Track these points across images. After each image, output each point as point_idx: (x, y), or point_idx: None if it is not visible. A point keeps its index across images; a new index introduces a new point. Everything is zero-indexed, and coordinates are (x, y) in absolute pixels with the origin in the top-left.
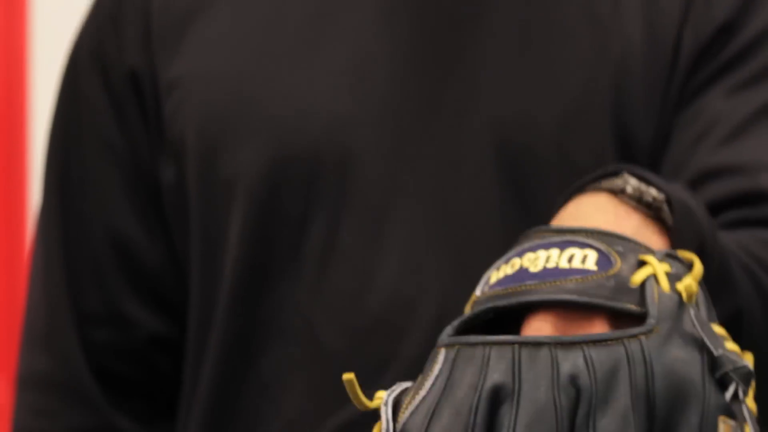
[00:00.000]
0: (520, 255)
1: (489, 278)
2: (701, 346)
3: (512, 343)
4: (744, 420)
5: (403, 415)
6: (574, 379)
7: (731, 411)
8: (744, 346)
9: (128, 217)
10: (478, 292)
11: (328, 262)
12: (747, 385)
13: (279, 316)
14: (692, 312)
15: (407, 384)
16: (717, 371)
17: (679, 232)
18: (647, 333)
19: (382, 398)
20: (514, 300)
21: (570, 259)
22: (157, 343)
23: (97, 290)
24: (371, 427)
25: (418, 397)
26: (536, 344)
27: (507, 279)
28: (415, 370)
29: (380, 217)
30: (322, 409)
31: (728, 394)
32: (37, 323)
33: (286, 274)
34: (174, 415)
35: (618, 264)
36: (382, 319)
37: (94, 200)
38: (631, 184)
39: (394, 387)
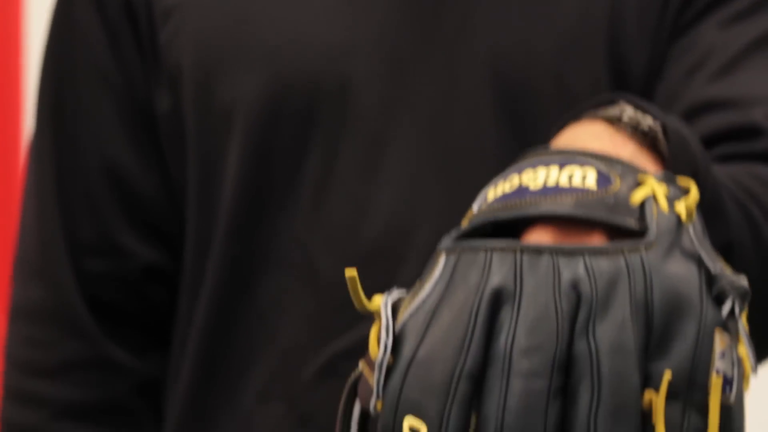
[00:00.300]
0: (519, 172)
1: (487, 195)
2: (699, 263)
3: (514, 249)
4: (739, 337)
5: (403, 316)
6: (574, 286)
7: (727, 327)
8: None
9: (123, 147)
10: (475, 208)
11: (326, 191)
12: (743, 302)
13: (276, 245)
14: (691, 230)
15: (405, 291)
16: (714, 287)
17: (673, 161)
18: (647, 246)
19: (381, 300)
20: (513, 213)
21: (570, 177)
22: (151, 274)
23: (91, 220)
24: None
25: (418, 299)
26: (538, 251)
27: (506, 195)
28: None
29: (378, 145)
30: (318, 337)
31: (725, 310)
32: (30, 254)
33: (283, 203)
34: (168, 345)
35: (617, 183)
36: (378, 248)
37: (88, 130)
38: (627, 112)
39: (392, 291)
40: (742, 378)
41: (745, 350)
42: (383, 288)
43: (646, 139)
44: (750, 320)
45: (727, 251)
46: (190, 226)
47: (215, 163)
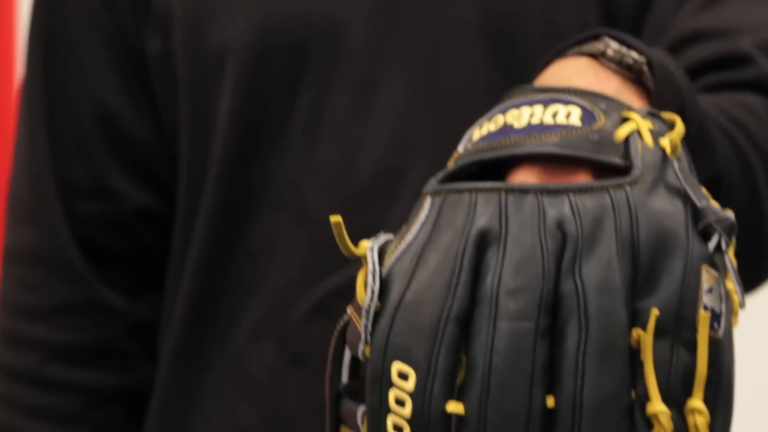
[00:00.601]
0: (503, 112)
1: (472, 135)
2: (685, 198)
3: (499, 190)
4: (726, 271)
5: (389, 260)
6: (560, 225)
7: (714, 262)
8: None
9: (114, 90)
10: (461, 148)
11: (317, 131)
12: (730, 236)
13: (268, 186)
14: (676, 165)
15: (391, 236)
16: (700, 222)
17: (659, 95)
18: (632, 183)
19: (368, 245)
20: (498, 153)
21: (554, 115)
22: (144, 217)
23: (82, 163)
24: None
25: (404, 243)
26: (522, 191)
27: (491, 135)
28: None
29: (368, 85)
30: (310, 277)
31: (711, 245)
32: (22, 197)
33: (275, 144)
34: (161, 287)
35: (602, 120)
36: (370, 187)
37: (79, 74)
38: (612, 47)
39: (378, 236)
40: (731, 313)
41: (732, 285)
42: (375, 228)
43: (631, 73)
44: (740, 251)
45: (715, 183)
46: (182, 168)
47: (207, 105)
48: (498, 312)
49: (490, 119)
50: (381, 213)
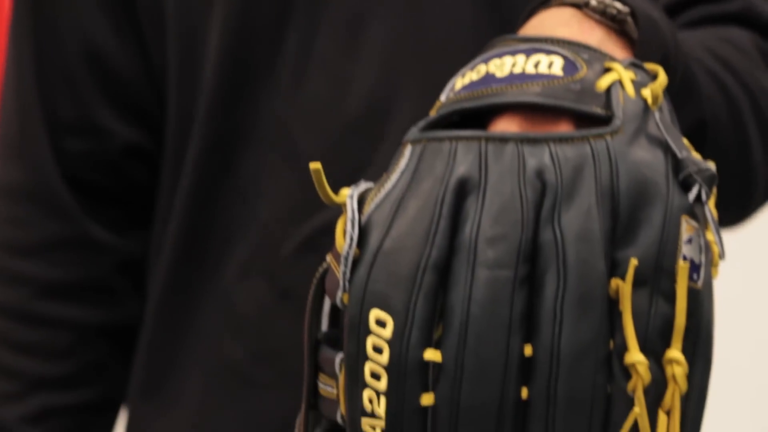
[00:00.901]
0: (485, 61)
1: (454, 84)
2: (666, 148)
3: (479, 138)
4: (706, 222)
5: (369, 208)
6: (540, 174)
7: (694, 213)
8: (708, 156)
9: (102, 28)
10: (443, 98)
11: (305, 69)
12: (710, 187)
13: (257, 123)
14: (657, 116)
15: (371, 184)
16: (680, 172)
17: (643, 45)
18: (613, 133)
19: (347, 192)
20: (479, 102)
21: (536, 65)
22: (132, 154)
23: (70, 100)
24: None
25: (384, 191)
26: (503, 139)
27: (473, 84)
28: None
29: (356, 23)
30: (298, 214)
31: (691, 196)
32: (10, 134)
33: (264, 82)
34: (150, 224)
35: (584, 70)
36: (358, 126)
37: (67, 11)
38: None
39: (358, 184)
40: (710, 265)
41: (712, 236)
42: (362, 167)
43: (614, 24)
44: (728, 189)
45: (701, 130)
46: (171, 106)
47: (195, 40)
48: (476, 260)
49: (472, 68)
50: (369, 152)
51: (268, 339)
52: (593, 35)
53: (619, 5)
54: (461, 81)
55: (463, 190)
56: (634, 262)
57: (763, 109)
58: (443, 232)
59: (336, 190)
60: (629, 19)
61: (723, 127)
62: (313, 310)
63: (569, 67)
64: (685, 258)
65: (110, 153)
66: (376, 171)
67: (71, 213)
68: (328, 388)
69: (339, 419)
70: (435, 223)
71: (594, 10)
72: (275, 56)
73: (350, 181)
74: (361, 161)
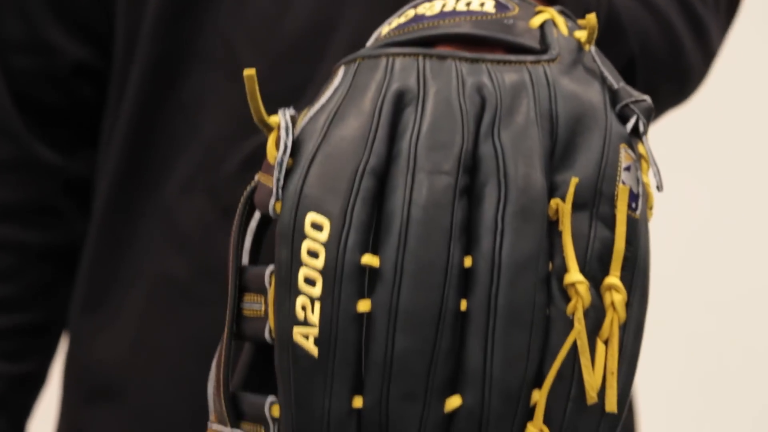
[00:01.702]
0: (414, 6)
1: (381, 32)
2: (602, 80)
3: (417, 54)
4: (643, 154)
5: (302, 121)
6: (479, 90)
7: (632, 144)
8: (644, 74)
9: None
10: (369, 44)
11: None
12: (647, 119)
13: (200, 41)
14: (593, 50)
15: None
16: (617, 103)
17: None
18: (550, 60)
19: (279, 111)
20: (411, 35)
21: (468, 4)
22: (81, 72)
23: (18, 17)
24: None
25: (318, 104)
26: (441, 57)
27: (401, 26)
28: None
29: None
30: (241, 131)
31: (629, 126)
32: None
33: None
34: (96, 144)
35: (516, 9)
36: (300, 44)
37: None
38: None
39: (289, 108)
40: (646, 198)
41: (647, 178)
42: (303, 85)
43: None
44: (665, 94)
45: (631, 65)
46: (119, 23)
47: None
48: (416, 166)
49: (399, 15)
50: (309, 69)
51: (210, 255)
52: None
53: None
54: (388, 27)
55: (401, 102)
56: (575, 180)
57: (692, 10)
58: (382, 140)
59: (275, 110)
60: None
61: (654, 47)
62: (239, 228)
63: (501, 6)
64: (624, 183)
65: (59, 71)
66: (317, 89)
67: (18, 133)
68: (255, 305)
69: (267, 336)
70: (373, 131)
71: None
72: None
73: (291, 100)
74: (302, 79)
